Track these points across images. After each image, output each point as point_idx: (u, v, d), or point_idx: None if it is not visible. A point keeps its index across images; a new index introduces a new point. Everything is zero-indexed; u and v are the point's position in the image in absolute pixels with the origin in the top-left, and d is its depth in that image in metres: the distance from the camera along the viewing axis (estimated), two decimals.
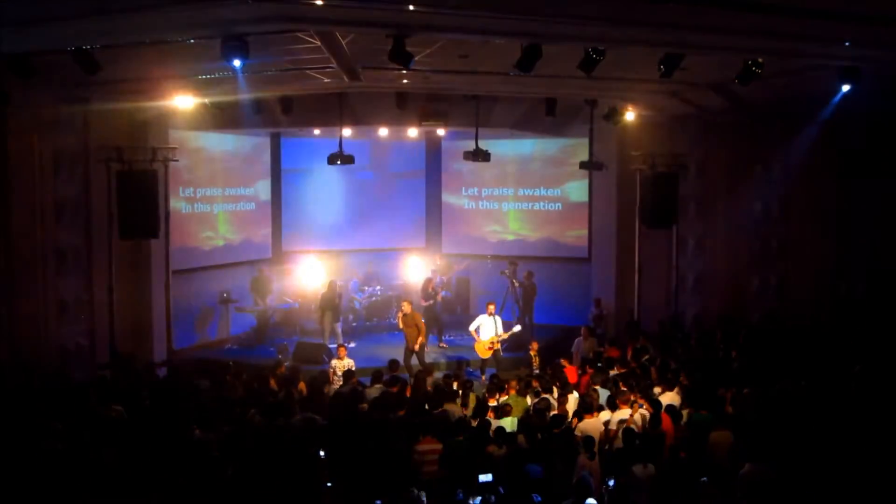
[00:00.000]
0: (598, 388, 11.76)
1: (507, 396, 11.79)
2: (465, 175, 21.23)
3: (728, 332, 14.96)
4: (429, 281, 18.29)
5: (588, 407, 10.68)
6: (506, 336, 15.76)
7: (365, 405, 11.30)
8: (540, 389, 12.01)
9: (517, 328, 16.20)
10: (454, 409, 11.19)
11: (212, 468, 8.59)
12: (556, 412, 10.86)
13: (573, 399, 11.62)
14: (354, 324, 19.22)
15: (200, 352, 17.27)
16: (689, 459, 9.26)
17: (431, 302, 17.75)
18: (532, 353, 14.95)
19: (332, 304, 17.43)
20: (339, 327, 17.65)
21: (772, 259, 16.70)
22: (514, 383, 12.25)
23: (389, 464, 9.25)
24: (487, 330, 15.64)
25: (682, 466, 9.00)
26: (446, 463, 9.27)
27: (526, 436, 9.98)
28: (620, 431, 9.97)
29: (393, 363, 13.49)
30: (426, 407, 11.29)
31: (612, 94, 15.66)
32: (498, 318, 15.80)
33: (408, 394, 12.15)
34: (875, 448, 9.38)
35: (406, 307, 16.02)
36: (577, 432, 10.14)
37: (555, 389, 12.14)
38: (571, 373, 13.37)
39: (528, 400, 11.72)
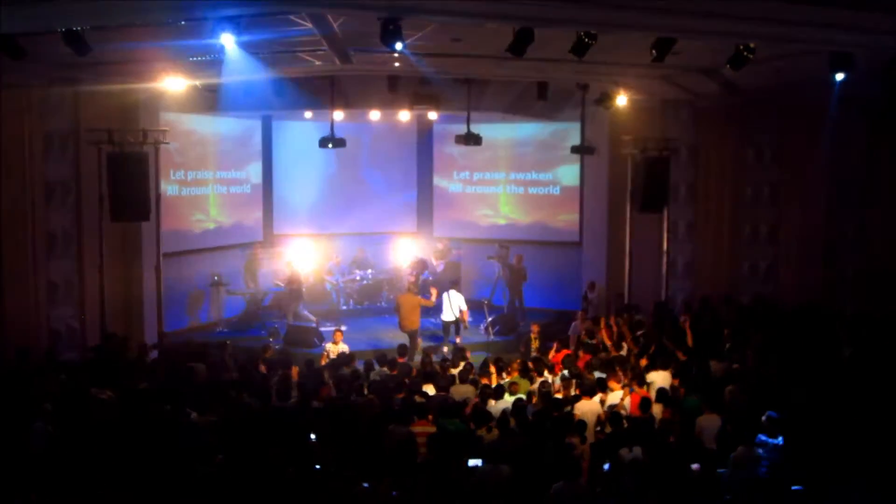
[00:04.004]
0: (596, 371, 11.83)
1: (509, 378, 11.85)
2: (456, 159, 21.20)
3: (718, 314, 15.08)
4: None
5: (587, 390, 10.72)
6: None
7: (365, 388, 11.36)
8: (534, 373, 12.07)
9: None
10: (466, 391, 11.27)
11: (204, 452, 8.62)
12: (558, 395, 10.92)
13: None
14: (344, 307, 19.25)
15: (191, 334, 17.28)
16: (678, 443, 9.33)
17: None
18: (532, 335, 15.01)
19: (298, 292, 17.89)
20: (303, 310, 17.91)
21: (762, 243, 16.77)
22: (515, 365, 12.30)
23: (379, 447, 9.30)
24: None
25: (669, 450, 9.06)
26: (437, 446, 9.30)
27: (517, 419, 10.02)
28: (609, 415, 10.03)
29: (402, 348, 13.62)
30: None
31: (604, 78, 15.64)
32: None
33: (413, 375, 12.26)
34: (867, 430, 9.46)
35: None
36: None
37: (547, 374, 12.21)
38: (559, 357, 13.43)
39: (530, 383, 11.76)
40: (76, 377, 11.43)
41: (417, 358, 14.20)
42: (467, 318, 16.54)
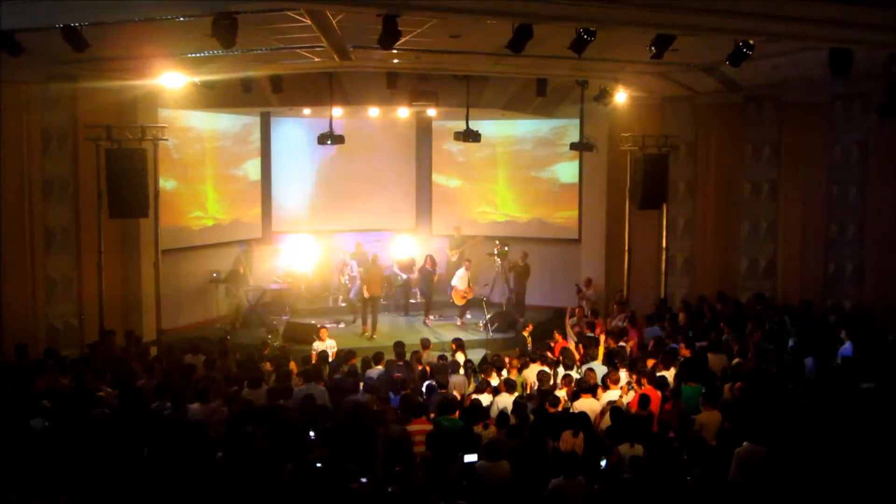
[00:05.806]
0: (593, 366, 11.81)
1: (509, 375, 11.83)
2: (455, 155, 21.20)
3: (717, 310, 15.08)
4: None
5: (586, 386, 10.71)
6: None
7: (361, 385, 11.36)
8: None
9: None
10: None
11: (206, 448, 8.61)
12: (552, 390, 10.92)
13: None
14: (343, 303, 19.20)
15: (190, 331, 17.26)
16: (677, 439, 9.31)
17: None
18: (525, 333, 15.01)
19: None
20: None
21: (761, 240, 16.77)
22: (515, 362, 12.28)
23: (375, 444, 9.28)
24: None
25: (669, 446, 9.05)
26: (433, 443, 9.29)
27: (517, 416, 9.99)
28: (609, 411, 10.02)
29: (398, 345, 13.61)
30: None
31: (604, 74, 15.64)
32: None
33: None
34: (865, 429, 9.45)
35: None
36: (572, 411, 10.18)
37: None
38: (556, 350, 13.43)
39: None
40: (74, 374, 11.41)
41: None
42: (460, 295, 17.83)
